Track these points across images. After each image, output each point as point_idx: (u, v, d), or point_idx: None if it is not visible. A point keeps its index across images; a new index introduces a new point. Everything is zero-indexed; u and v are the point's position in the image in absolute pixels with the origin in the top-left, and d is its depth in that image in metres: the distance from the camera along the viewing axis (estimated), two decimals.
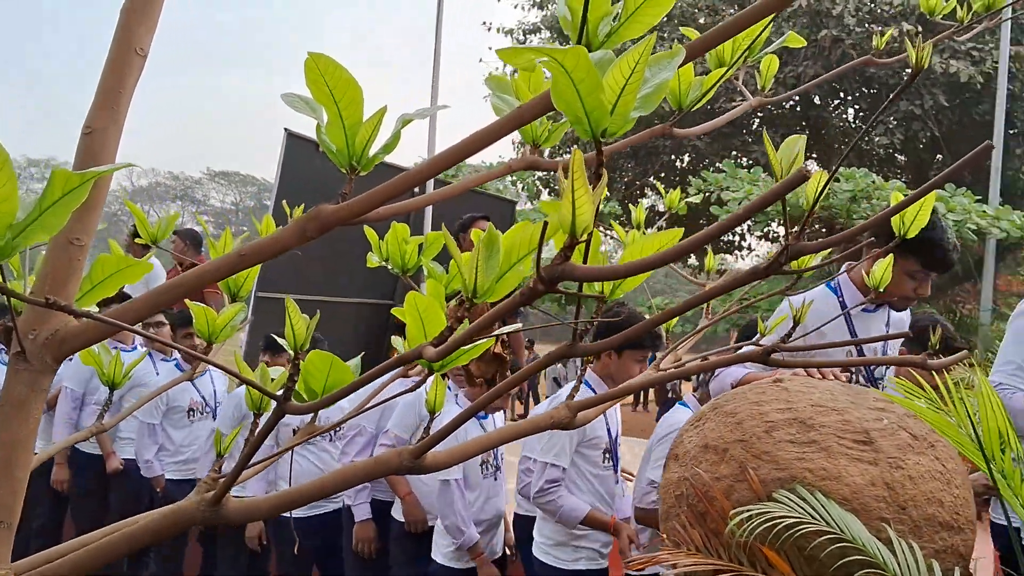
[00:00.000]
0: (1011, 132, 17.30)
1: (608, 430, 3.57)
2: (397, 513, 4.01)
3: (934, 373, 1.58)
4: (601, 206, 0.70)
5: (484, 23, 22.97)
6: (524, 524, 3.92)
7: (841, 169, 12.89)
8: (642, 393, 18.31)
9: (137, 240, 1.55)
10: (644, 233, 1.82)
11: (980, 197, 12.88)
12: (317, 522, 4.35)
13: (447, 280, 1.21)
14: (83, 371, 5.00)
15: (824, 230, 14.79)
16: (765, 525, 1.85)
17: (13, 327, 0.77)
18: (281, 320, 0.89)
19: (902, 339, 3.22)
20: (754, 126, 20.10)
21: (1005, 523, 2.29)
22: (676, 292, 28.43)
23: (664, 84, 0.68)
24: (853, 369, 2.87)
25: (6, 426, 0.77)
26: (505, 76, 0.98)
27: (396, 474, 0.85)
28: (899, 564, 1.79)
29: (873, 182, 12.70)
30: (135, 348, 5.04)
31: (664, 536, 2.23)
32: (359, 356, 1.04)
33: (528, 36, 22.38)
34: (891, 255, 1.68)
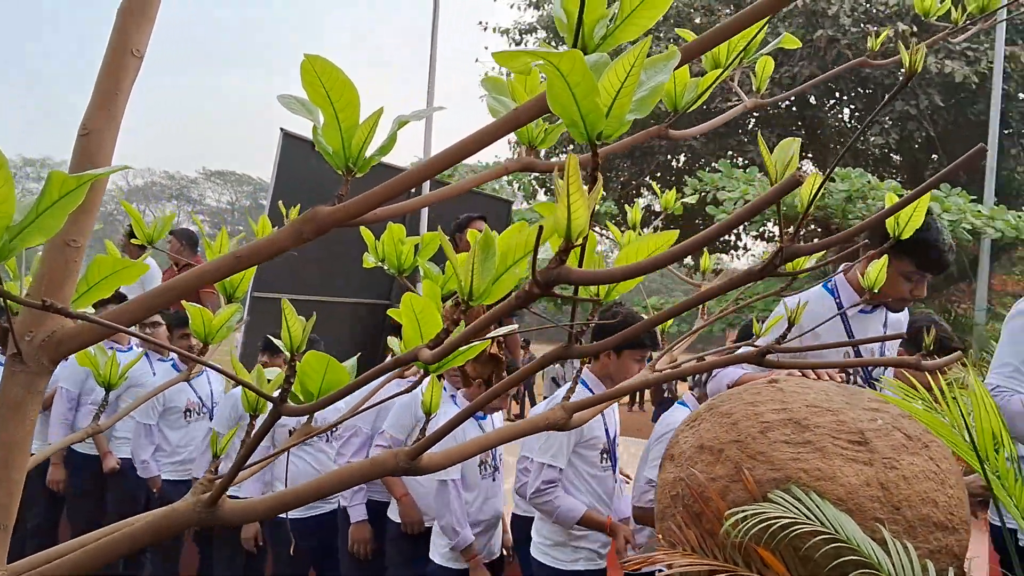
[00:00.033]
0: (1006, 132, 17.35)
1: (606, 430, 3.57)
2: (393, 514, 4.00)
3: (928, 374, 1.58)
4: (597, 206, 0.70)
5: (480, 23, 22.98)
6: (522, 524, 3.92)
7: (837, 169, 12.91)
8: (638, 393, 18.34)
9: (133, 241, 1.55)
10: (640, 234, 1.82)
11: (975, 197, 12.91)
12: (313, 523, 4.35)
13: (443, 281, 1.21)
14: (78, 371, 5.00)
15: (820, 230, 14.81)
16: (760, 525, 1.85)
17: (10, 329, 0.77)
18: (277, 320, 0.89)
19: (899, 340, 3.21)
20: (750, 126, 20.13)
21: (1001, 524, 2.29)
22: (672, 292, 28.44)
23: (659, 87, 0.68)
24: (851, 370, 2.87)
25: (2, 428, 0.77)
26: (501, 77, 0.98)
27: (392, 475, 0.85)
28: (893, 564, 1.79)
29: (869, 182, 12.73)
30: (131, 348, 5.04)
31: (660, 536, 2.23)
32: (355, 357, 1.04)
33: (524, 36, 22.39)
34: (886, 256, 1.68)
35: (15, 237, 0.63)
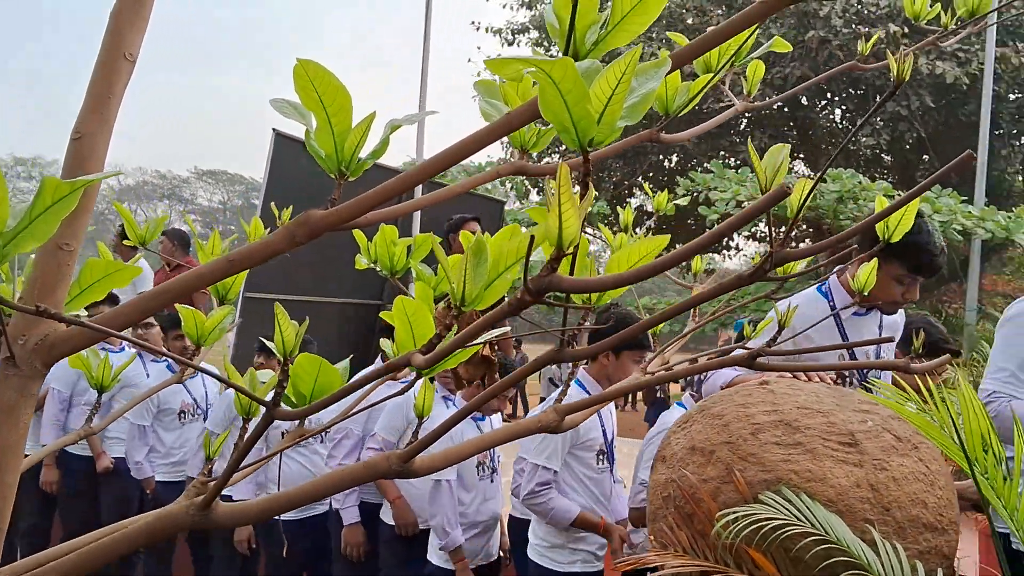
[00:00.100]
0: (996, 133, 17.44)
1: (603, 432, 3.56)
2: (386, 516, 4.00)
3: (918, 376, 1.59)
4: (589, 208, 0.71)
5: (473, 23, 22.98)
6: (519, 526, 3.92)
7: (828, 169, 12.94)
8: (631, 393, 18.37)
9: (125, 242, 1.54)
10: (632, 235, 1.83)
11: (966, 198, 12.98)
12: (306, 525, 4.34)
13: (435, 283, 1.21)
14: (70, 373, 4.98)
15: (811, 230, 14.86)
16: (751, 527, 1.86)
17: (3, 332, 0.77)
18: (269, 321, 0.89)
19: (894, 342, 3.21)
20: (742, 126, 20.18)
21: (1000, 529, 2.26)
22: (664, 292, 28.51)
23: (651, 94, 0.69)
24: (847, 372, 2.86)
25: None
26: (494, 81, 0.98)
27: (385, 478, 0.85)
28: (883, 565, 1.80)
29: (860, 183, 12.79)
30: (123, 349, 5.03)
31: (651, 537, 2.24)
32: (348, 358, 1.04)
33: (517, 36, 22.40)
34: (876, 260, 1.68)
35: (8, 243, 0.63)
